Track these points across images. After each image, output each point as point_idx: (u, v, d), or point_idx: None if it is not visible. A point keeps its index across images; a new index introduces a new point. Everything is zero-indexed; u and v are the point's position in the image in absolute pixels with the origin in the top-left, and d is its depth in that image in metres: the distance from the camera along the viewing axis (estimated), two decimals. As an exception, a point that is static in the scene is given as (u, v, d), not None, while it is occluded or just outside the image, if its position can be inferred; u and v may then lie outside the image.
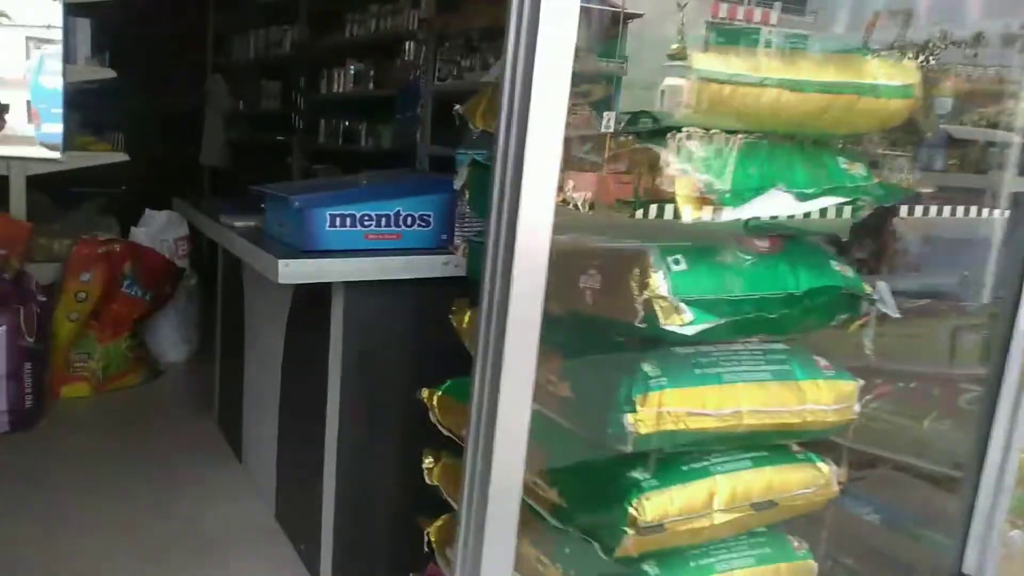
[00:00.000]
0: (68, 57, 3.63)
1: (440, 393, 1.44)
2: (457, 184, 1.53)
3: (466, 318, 1.48)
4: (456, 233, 1.91)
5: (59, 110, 3.64)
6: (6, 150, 3.56)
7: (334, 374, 1.77)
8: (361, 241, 1.76)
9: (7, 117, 3.62)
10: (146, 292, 3.54)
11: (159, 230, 3.89)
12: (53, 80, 3.63)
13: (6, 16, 3.57)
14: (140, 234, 3.82)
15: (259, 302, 2.45)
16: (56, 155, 3.64)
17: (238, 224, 2.10)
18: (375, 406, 1.80)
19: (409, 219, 1.80)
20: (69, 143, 3.68)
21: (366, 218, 1.75)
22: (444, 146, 4.16)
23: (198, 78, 6.63)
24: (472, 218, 1.93)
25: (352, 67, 4.97)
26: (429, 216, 1.82)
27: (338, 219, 1.73)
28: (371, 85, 4.80)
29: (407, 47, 4.19)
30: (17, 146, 3.63)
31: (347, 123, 5.08)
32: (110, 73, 3.83)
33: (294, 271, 1.63)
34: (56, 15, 3.56)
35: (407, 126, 4.23)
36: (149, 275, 3.56)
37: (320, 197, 1.73)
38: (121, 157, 3.87)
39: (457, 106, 1.52)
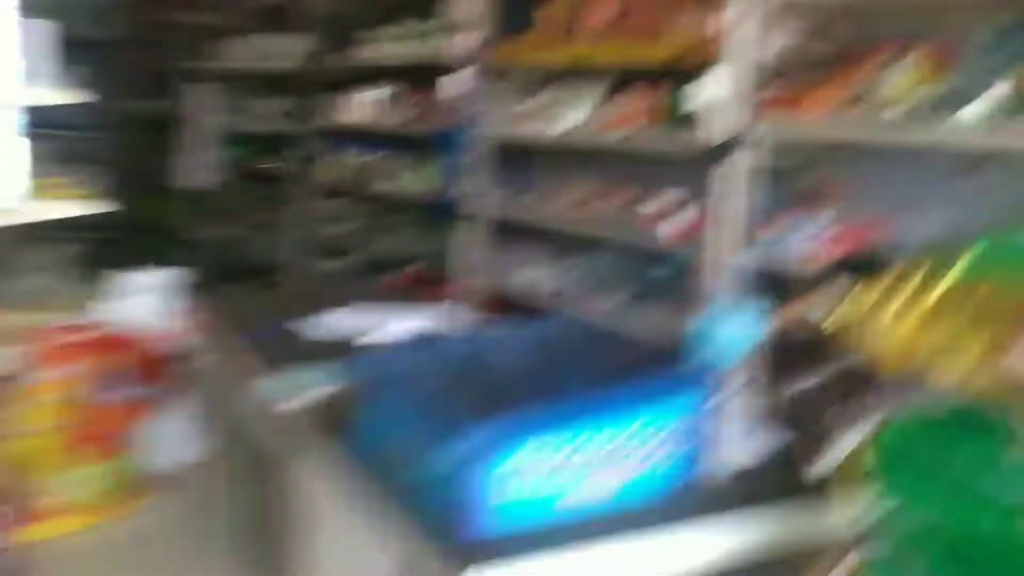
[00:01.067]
0: (29, 74, 2.78)
1: None
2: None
3: None
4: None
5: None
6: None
7: None
8: (551, 511, 1.02)
9: None
10: (137, 391, 2.74)
11: (144, 300, 3.10)
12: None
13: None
14: (120, 309, 3.03)
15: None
16: (10, 205, 2.80)
17: (289, 406, 1.33)
18: None
19: (639, 454, 1.06)
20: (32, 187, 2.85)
21: (574, 461, 1.01)
22: (511, 202, 3.42)
23: (164, 84, 5.73)
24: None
25: (377, 92, 4.19)
26: (673, 437, 1.08)
27: (528, 474, 0.98)
28: (401, 118, 4.02)
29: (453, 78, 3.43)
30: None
31: (367, 159, 4.31)
32: (86, 97, 3.01)
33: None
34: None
35: (452, 174, 3.49)
36: (141, 368, 2.77)
37: (487, 437, 0.97)
38: (96, 208, 3.04)
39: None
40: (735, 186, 2.56)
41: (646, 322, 2.82)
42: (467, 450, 0.95)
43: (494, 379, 1.25)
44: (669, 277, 2.85)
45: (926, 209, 2.42)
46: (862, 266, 2.00)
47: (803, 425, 1.66)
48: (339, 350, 1.57)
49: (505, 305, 3.52)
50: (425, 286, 3.74)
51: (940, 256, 0.85)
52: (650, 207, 2.83)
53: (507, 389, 1.22)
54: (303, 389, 1.36)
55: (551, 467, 1.00)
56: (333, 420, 1.22)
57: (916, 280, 0.85)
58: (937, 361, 0.80)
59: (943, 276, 0.83)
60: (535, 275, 3.26)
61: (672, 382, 1.11)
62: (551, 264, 3.27)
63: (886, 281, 0.88)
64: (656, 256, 2.85)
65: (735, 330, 1.16)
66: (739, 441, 1.17)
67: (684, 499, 1.09)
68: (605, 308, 2.96)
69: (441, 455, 0.96)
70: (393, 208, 4.16)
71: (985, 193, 2.34)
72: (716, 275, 2.59)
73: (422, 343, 1.35)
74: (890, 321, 0.84)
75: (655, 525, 1.02)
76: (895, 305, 0.85)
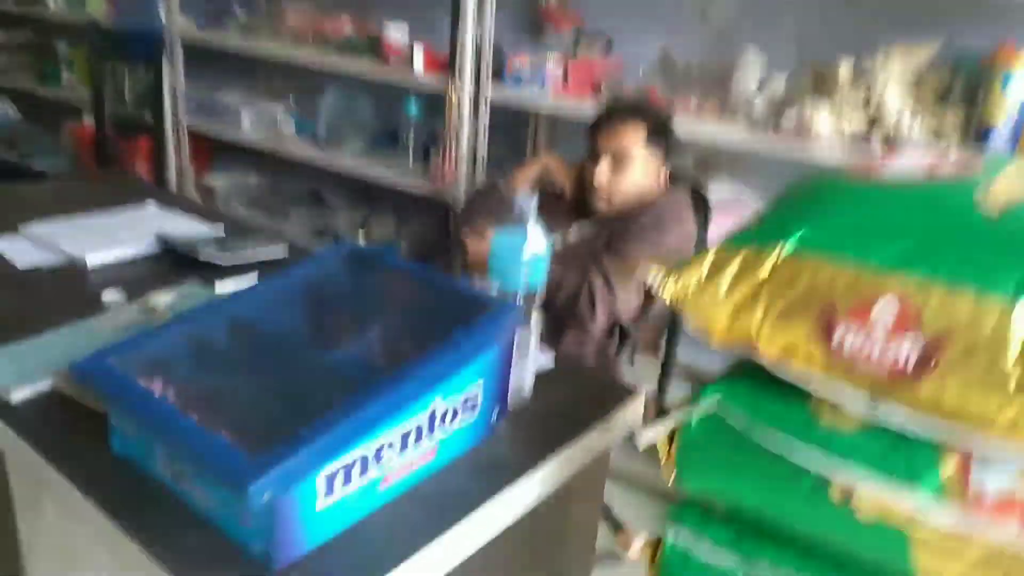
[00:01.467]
0: None
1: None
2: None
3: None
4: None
5: None
6: None
7: None
8: (376, 496, 0.86)
9: None
10: None
11: None
12: None
13: None
14: None
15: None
16: None
17: (18, 395, 0.98)
18: None
19: (450, 414, 0.92)
20: None
21: (386, 449, 0.84)
22: (208, 27, 2.86)
23: None
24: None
25: None
26: (476, 395, 0.95)
27: (340, 476, 0.80)
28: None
29: None
30: None
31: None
32: None
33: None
34: None
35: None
36: None
37: (296, 453, 0.75)
38: None
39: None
40: (479, 10, 2.32)
41: (395, 167, 2.60)
42: (284, 475, 0.75)
43: (269, 364, 1.01)
44: (417, 115, 2.62)
45: (647, 33, 2.35)
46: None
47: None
48: (67, 293, 1.26)
49: (216, 153, 3.08)
50: (120, 139, 3.14)
51: (763, 233, 0.83)
52: (393, 35, 2.51)
53: (288, 372, 1.00)
54: (36, 371, 1.01)
55: (381, 453, 0.84)
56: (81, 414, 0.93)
57: (741, 258, 0.82)
58: (760, 338, 0.79)
59: (767, 255, 0.80)
60: (257, 117, 2.84)
61: (474, 335, 0.95)
62: (275, 103, 2.86)
63: (712, 257, 0.85)
64: (400, 92, 2.59)
65: (521, 251, 1.02)
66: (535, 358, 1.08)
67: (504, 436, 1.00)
68: (350, 154, 2.68)
69: (235, 476, 0.74)
70: (64, 33, 3.37)
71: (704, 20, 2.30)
72: (466, 110, 2.40)
73: (174, 322, 1.04)
74: (715, 297, 0.82)
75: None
76: (720, 282, 0.82)
